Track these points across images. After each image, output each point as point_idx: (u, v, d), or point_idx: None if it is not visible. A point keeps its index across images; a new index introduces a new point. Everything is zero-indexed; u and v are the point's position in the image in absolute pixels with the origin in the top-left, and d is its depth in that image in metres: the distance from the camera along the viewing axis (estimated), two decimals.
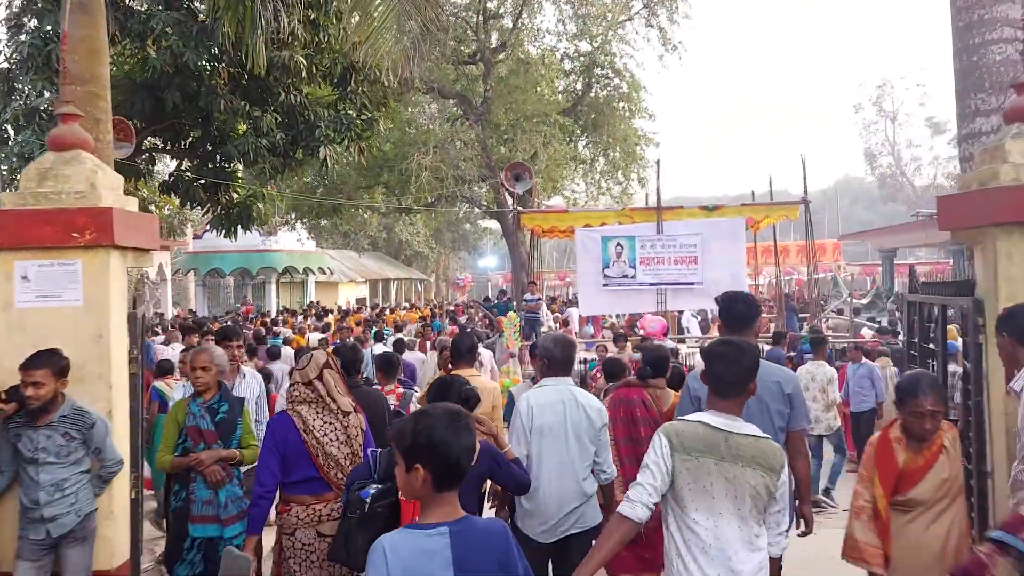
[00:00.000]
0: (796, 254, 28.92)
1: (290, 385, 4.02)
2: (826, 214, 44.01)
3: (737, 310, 3.83)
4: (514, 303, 18.30)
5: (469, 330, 19.18)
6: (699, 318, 22.05)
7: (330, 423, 3.87)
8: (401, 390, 6.25)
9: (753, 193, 15.68)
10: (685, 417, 2.92)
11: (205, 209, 13.39)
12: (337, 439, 3.86)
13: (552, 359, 4.17)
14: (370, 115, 13.02)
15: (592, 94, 24.61)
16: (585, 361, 15.32)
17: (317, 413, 3.87)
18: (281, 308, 27.76)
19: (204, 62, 11.66)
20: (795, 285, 31.08)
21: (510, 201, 16.53)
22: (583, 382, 13.90)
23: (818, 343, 8.99)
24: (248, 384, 5.78)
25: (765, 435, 2.84)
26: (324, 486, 3.83)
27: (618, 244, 14.94)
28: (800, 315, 21.61)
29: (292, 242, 28.98)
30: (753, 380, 2.85)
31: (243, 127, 12.26)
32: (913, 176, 54.52)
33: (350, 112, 12.72)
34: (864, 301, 19.01)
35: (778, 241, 16.53)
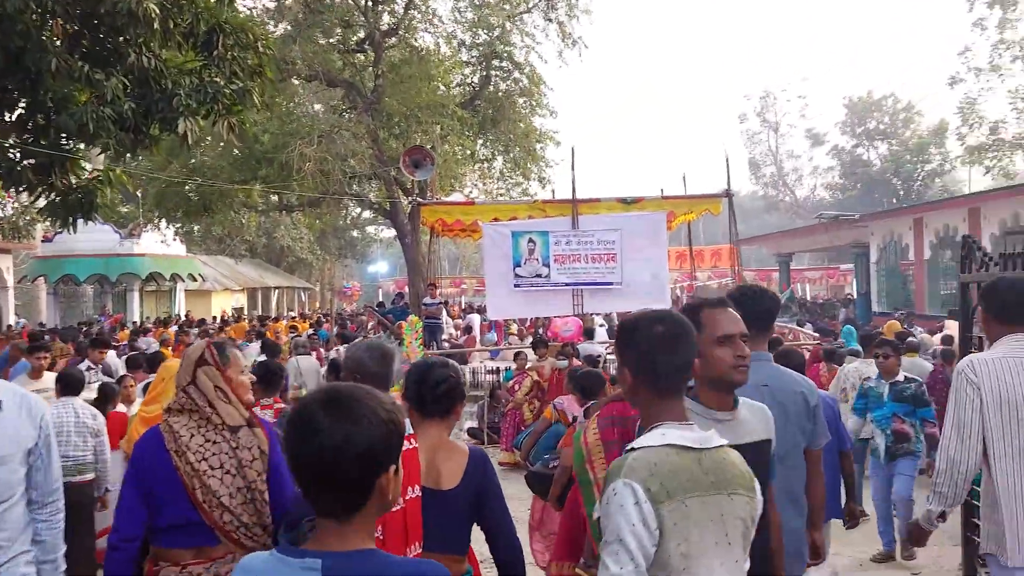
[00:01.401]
0: (709, 257, 28.45)
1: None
2: (717, 223, 44.48)
3: (764, 307, 3.12)
4: (411, 308, 16.52)
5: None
6: (606, 325, 20.90)
7: (213, 443, 2.78)
8: (281, 405, 5.28)
9: (662, 190, 14.47)
10: (645, 442, 2.01)
11: (35, 195, 10.97)
12: (222, 466, 2.75)
13: (365, 374, 3.02)
14: (242, 84, 10.96)
15: (491, 88, 23.15)
16: (498, 371, 13.77)
17: (196, 428, 2.80)
18: (149, 319, 24.85)
19: (31, 13, 9.39)
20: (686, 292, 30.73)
21: (405, 200, 14.71)
22: (493, 395, 12.32)
23: (869, 339, 8.71)
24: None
25: (722, 441, 2.09)
26: (207, 536, 2.71)
27: (530, 240, 13.46)
28: None
29: (157, 245, 26.03)
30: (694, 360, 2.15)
31: (83, 95, 10.01)
32: (794, 186, 56.04)
33: (217, 80, 10.63)
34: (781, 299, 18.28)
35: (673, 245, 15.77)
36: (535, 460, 5.68)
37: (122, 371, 8.54)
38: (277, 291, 42.33)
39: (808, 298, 32.24)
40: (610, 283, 13.42)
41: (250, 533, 2.75)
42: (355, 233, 46.97)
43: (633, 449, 2.00)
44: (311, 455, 1.49)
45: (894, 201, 42.71)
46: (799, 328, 13.73)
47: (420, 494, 2.62)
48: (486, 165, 24.61)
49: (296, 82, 21.42)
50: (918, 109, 48.94)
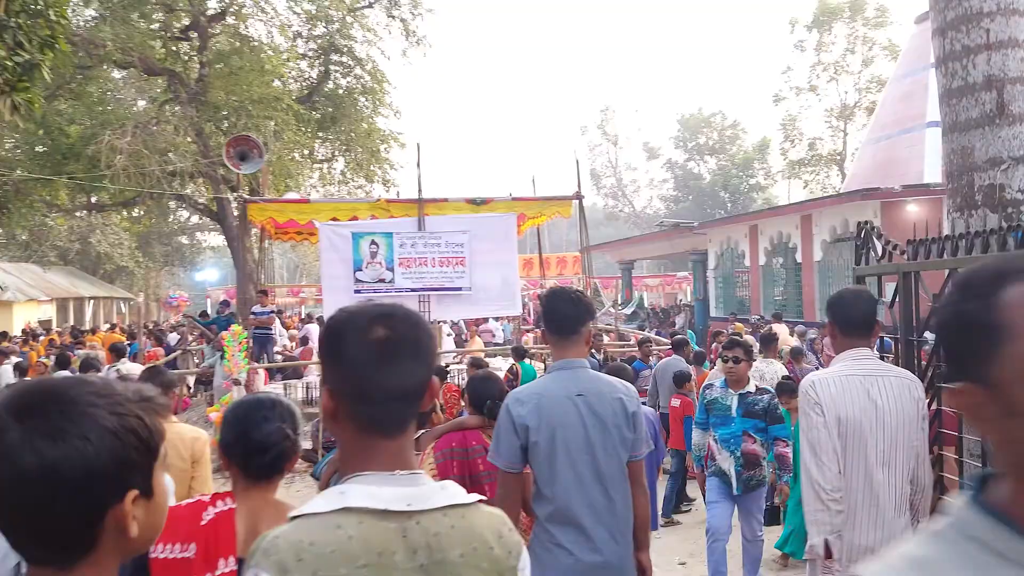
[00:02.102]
0: (556, 265, 28.34)
1: None
2: (562, 231, 45.08)
3: (562, 310, 2.87)
4: (239, 318, 15.06)
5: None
6: (453, 334, 20.19)
7: None
8: None
9: (511, 193, 13.88)
10: (309, 507, 1.28)
11: None
12: None
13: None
14: (29, 57, 9.38)
15: (331, 84, 21.91)
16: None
17: None
18: None
19: None
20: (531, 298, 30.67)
21: (231, 196, 13.26)
22: None
23: (769, 340, 8.53)
24: None
25: (472, 498, 1.39)
26: None
27: (372, 242, 12.49)
28: None
29: None
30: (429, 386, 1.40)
31: None
32: (633, 197, 57.91)
33: None
34: (627, 311, 18.30)
35: (520, 253, 15.28)
36: None
37: None
38: (93, 302, 38.54)
39: (646, 305, 33.03)
40: (459, 288, 12.69)
41: None
42: (183, 239, 43.81)
43: (293, 518, 1.28)
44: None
45: (722, 212, 44.91)
46: (655, 336, 13.52)
47: (237, 567, 2.04)
48: (326, 166, 23.29)
49: (111, 70, 19.32)
50: (743, 126, 51.96)
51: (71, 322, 33.74)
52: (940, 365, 3.22)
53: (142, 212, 23.93)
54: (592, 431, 2.66)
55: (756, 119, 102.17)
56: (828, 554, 2.87)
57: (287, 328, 19.98)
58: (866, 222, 3.85)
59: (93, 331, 23.78)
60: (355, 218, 12.72)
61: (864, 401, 2.85)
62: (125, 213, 24.09)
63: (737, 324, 14.33)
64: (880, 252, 3.59)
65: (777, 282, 18.78)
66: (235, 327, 10.47)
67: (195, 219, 35.12)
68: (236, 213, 13.04)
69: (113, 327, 25.90)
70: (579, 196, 13.33)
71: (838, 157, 35.96)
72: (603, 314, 16.57)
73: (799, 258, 17.16)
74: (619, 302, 23.72)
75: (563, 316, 2.81)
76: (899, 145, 17.33)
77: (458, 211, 12.92)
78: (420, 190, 12.90)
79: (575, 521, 2.66)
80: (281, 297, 32.82)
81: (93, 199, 19.75)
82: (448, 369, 11.24)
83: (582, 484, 2.66)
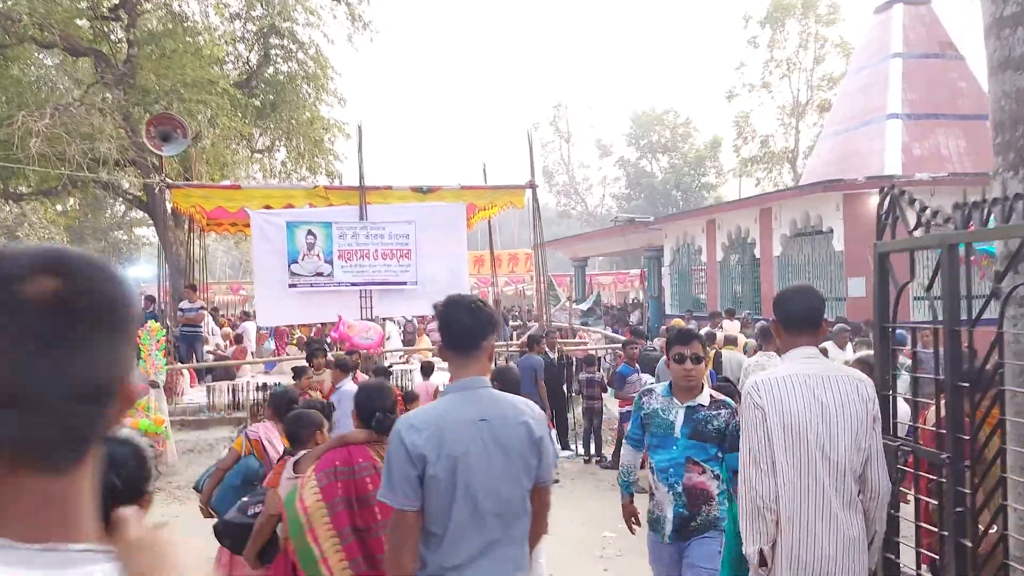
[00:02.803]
0: (508, 262, 27.55)
1: None
2: (512, 231, 44.21)
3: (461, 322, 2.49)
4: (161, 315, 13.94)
5: None
6: (401, 328, 19.26)
7: None
8: None
9: (460, 184, 13.01)
10: None
11: None
12: None
13: None
14: None
15: (271, 69, 20.76)
16: (267, 387, 11.65)
17: None
18: None
19: None
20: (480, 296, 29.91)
21: (155, 180, 12.07)
22: (256, 415, 10.18)
23: (768, 333, 7.58)
24: None
25: None
26: None
27: (309, 232, 11.59)
28: (509, 324, 19.85)
29: None
30: None
31: None
32: (585, 195, 57.49)
33: None
34: (584, 307, 17.61)
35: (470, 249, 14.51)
36: (220, 505, 4.36)
37: None
38: None
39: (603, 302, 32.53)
40: (403, 283, 11.85)
41: None
42: (120, 234, 42.00)
43: None
44: None
45: (674, 211, 44.72)
46: (612, 333, 12.80)
47: None
48: (267, 157, 22.13)
49: (33, 50, 17.93)
50: (695, 124, 51.89)
51: None
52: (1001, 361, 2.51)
53: (69, 203, 22.36)
54: (495, 460, 2.39)
55: (709, 117, 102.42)
56: (763, 562, 2.77)
57: (221, 326, 18.81)
58: (892, 186, 3.14)
59: None
60: (291, 206, 11.78)
61: (811, 403, 2.74)
62: (48, 204, 22.45)
63: (676, 320, 13.77)
64: (915, 221, 2.87)
65: (735, 278, 18.27)
66: (152, 324, 9.42)
67: (135, 213, 33.39)
68: (159, 194, 11.88)
69: None
70: (532, 185, 12.58)
71: (790, 155, 35.91)
72: (558, 309, 15.86)
73: (758, 253, 16.65)
74: (572, 297, 23.03)
75: (463, 329, 2.47)
76: (859, 138, 16.96)
77: (403, 200, 12.07)
78: (361, 177, 12.02)
79: (463, 565, 2.38)
80: (221, 295, 31.44)
81: (8, 187, 18.27)
82: (391, 370, 10.38)
83: (480, 523, 2.38)
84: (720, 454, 3.65)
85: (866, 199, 14.12)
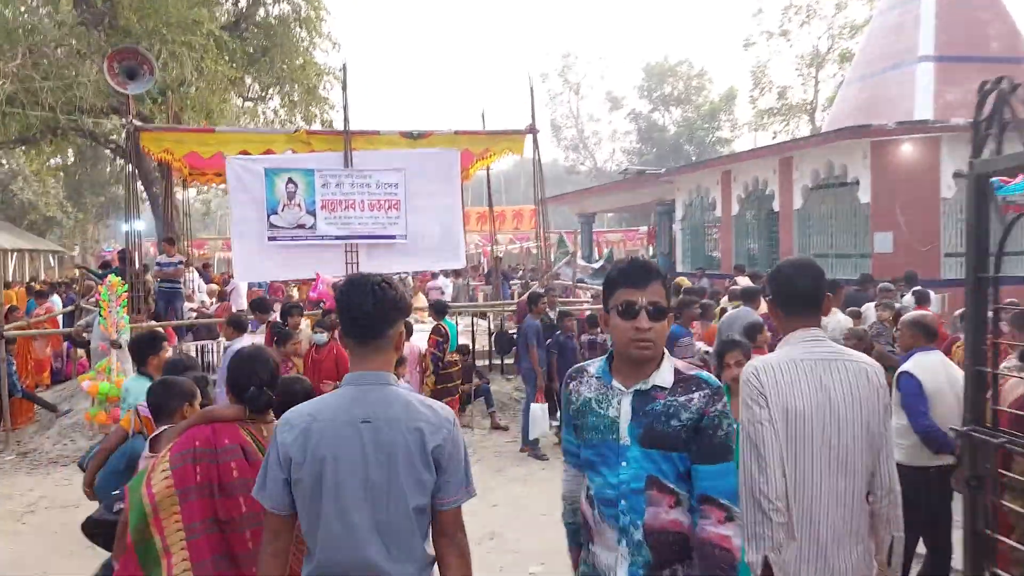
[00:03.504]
0: (512, 218, 26.57)
1: None
2: (517, 183, 43.07)
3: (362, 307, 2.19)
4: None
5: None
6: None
7: None
8: None
9: (454, 130, 11.93)
10: None
11: None
12: None
13: None
14: None
15: (262, 12, 19.66)
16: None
17: None
18: None
19: None
20: (483, 256, 28.98)
21: (121, 125, 11.05)
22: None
23: (751, 294, 7.55)
24: None
25: None
26: None
27: (290, 180, 10.68)
28: (511, 280, 18.99)
29: None
30: None
31: None
32: (594, 150, 56.08)
33: None
34: (595, 265, 16.69)
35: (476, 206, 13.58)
36: (102, 491, 3.83)
37: None
38: (16, 255, 35.89)
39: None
40: (392, 236, 10.95)
41: None
42: (118, 189, 41.17)
43: None
44: None
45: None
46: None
47: None
48: (257, 105, 21.11)
49: None
50: (710, 76, 50.25)
51: None
52: None
53: (68, 156, 21.46)
54: (374, 470, 2.08)
55: (724, 69, 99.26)
56: (768, 572, 2.43)
57: (216, 283, 18.02)
58: (998, 79, 2.20)
59: (8, 285, 21.59)
60: (270, 152, 10.84)
61: (816, 391, 2.51)
62: (33, 155, 21.53)
63: (680, 278, 12.87)
64: None
65: (751, 234, 17.25)
66: (112, 278, 8.56)
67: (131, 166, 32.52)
68: (127, 138, 10.93)
69: (31, 282, 23.60)
70: (533, 130, 11.57)
71: (809, 107, 34.52)
72: (564, 264, 14.95)
73: (777, 207, 15.61)
74: (580, 254, 22.02)
75: (363, 315, 2.16)
76: (887, 82, 15.79)
77: (392, 146, 11.12)
78: (346, 120, 11.06)
79: None
80: (216, 250, 30.67)
81: None
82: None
83: (354, 539, 2.07)
84: (688, 468, 2.18)
85: (896, 147, 13.06)
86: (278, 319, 8.43)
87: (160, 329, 8.18)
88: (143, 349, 4.96)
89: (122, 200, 41.87)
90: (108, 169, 37.86)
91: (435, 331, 8.91)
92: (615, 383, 2.24)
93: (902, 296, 10.37)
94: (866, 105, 15.98)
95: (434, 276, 18.69)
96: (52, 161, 30.51)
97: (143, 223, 37.10)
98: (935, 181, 12.94)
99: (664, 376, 2.20)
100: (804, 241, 14.87)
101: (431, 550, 2.15)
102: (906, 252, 12.57)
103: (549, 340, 8.74)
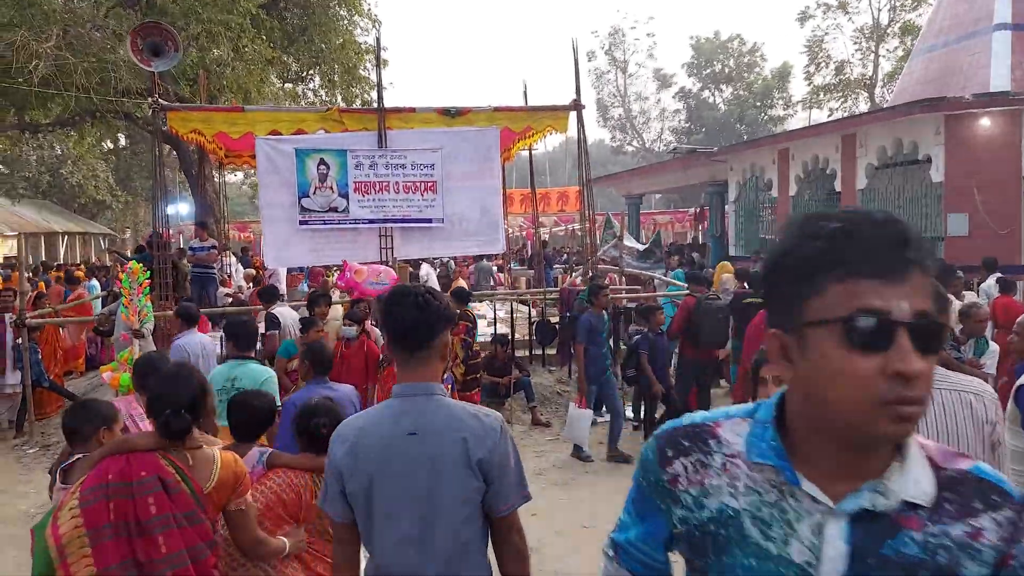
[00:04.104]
0: (557, 201, 25.88)
1: None
2: (565, 171, 42.10)
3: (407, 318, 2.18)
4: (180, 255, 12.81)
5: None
6: (438, 270, 17.94)
7: None
8: None
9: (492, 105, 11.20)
10: None
11: None
12: None
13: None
14: None
15: None
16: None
17: None
18: None
19: None
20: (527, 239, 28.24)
21: (147, 104, 10.58)
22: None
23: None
24: None
25: None
26: None
27: (322, 162, 10.18)
28: (555, 266, 18.37)
29: None
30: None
31: None
32: (642, 129, 54.80)
33: None
34: (641, 247, 15.96)
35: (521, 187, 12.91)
36: None
37: None
38: (67, 237, 36.43)
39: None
40: (428, 220, 10.39)
41: None
42: (167, 172, 41.44)
43: None
44: None
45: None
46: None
47: None
48: (296, 86, 20.74)
49: None
50: (762, 52, 48.55)
51: (43, 257, 31.71)
52: None
53: (96, 136, 21.41)
54: (421, 481, 2.06)
55: (776, 45, 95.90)
56: None
57: (256, 268, 17.73)
58: None
59: (57, 267, 21.75)
60: (301, 132, 10.33)
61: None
62: (76, 137, 21.46)
63: (723, 263, 12.04)
64: None
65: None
66: (134, 264, 8.17)
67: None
68: (154, 117, 10.46)
69: (71, 266, 23.72)
70: (578, 105, 10.87)
71: (868, 82, 32.99)
72: (611, 246, 14.24)
73: (839, 186, 14.64)
74: (627, 235, 21.05)
75: (408, 325, 2.13)
76: (959, 53, 14.68)
77: (428, 124, 10.52)
78: (380, 97, 10.51)
79: None
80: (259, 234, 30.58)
81: (23, 118, 17.27)
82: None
83: (406, 550, 2.06)
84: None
85: (973, 121, 12.05)
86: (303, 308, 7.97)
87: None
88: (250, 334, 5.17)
89: (169, 183, 42.13)
90: (160, 153, 38.05)
91: (463, 317, 8.34)
92: (807, 486, 1.11)
93: (979, 284, 9.51)
94: (936, 77, 14.89)
95: (476, 259, 18.15)
96: (104, 145, 30.69)
97: (186, 205, 37.27)
98: (1015, 158, 11.92)
99: (917, 476, 1.10)
100: None
101: (485, 558, 2.14)
102: (983, 235, 11.61)
103: (637, 337, 8.05)
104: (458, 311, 8.54)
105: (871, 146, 13.66)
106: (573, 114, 10.88)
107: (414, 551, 2.06)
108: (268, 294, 8.70)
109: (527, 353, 10.17)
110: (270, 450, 3.23)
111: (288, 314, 8.19)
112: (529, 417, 8.92)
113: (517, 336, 10.29)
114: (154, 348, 8.83)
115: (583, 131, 10.94)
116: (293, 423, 3.22)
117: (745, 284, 10.05)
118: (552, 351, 10.15)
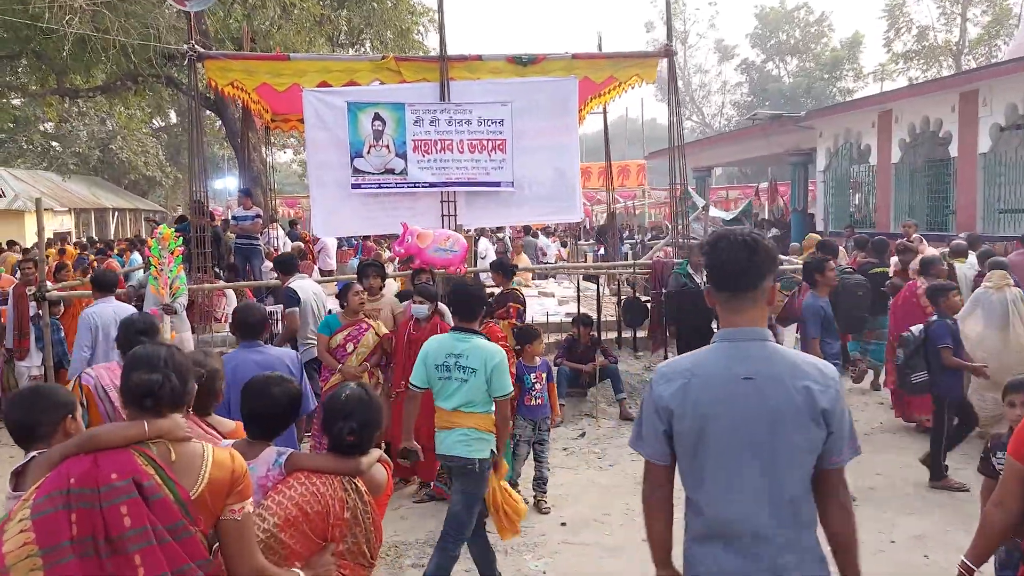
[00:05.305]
0: (618, 175, 24.38)
1: None
2: (621, 147, 40.28)
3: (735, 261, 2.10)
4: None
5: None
6: (496, 245, 16.71)
7: None
8: None
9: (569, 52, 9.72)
10: None
11: None
12: None
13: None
14: None
15: None
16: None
17: None
18: None
19: None
20: (587, 216, 26.79)
21: (184, 51, 9.37)
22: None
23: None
24: None
25: None
26: None
27: (377, 117, 8.98)
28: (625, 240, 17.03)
29: None
30: None
31: None
32: (702, 103, 52.69)
33: None
34: (728, 216, 14.51)
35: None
36: None
37: None
38: (117, 213, 36.17)
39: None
40: (496, 183, 9.12)
41: None
42: (216, 149, 41.04)
43: None
44: None
45: None
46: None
47: None
48: (347, 50, 19.62)
49: None
50: (830, 22, 46.01)
51: (93, 233, 31.39)
52: None
53: (140, 105, 20.57)
54: (760, 429, 2.01)
55: (847, 13, 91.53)
56: None
57: (305, 241, 16.70)
58: None
59: (93, 243, 21.11)
60: (353, 83, 9.12)
61: None
62: (115, 103, 20.62)
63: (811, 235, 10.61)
64: None
65: (917, 185, 14.50)
66: (164, 230, 7.06)
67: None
68: (189, 65, 9.28)
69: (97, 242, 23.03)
70: (669, 51, 9.47)
71: (954, 48, 30.63)
72: (694, 219, 12.82)
73: (954, 151, 12.93)
74: (748, 210, 19.26)
75: (740, 267, 2.07)
76: None
77: (496, 74, 9.22)
78: (443, 43, 9.22)
79: (734, 536, 2.04)
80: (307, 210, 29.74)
81: (62, 83, 16.44)
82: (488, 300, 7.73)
83: (741, 498, 2.04)
84: None
85: None
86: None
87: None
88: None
89: (219, 159, 41.51)
90: (212, 127, 37.59)
91: (513, 298, 7.02)
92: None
93: None
94: None
95: (534, 231, 16.84)
96: (154, 121, 30.08)
97: (234, 180, 36.33)
98: None
99: None
100: (992, 192, 12.22)
101: (814, 511, 2.09)
102: None
103: (936, 325, 5.76)
104: (503, 291, 7.17)
105: (997, 103, 11.92)
106: (664, 61, 9.48)
107: (753, 498, 2.03)
108: (285, 264, 7.13)
109: (613, 336, 8.86)
110: (290, 451, 2.67)
111: (310, 287, 6.94)
112: (617, 410, 7.66)
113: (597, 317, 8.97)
114: (188, 326, 7.80)
115: (675, 81, 9.58)
116: (321, 422, 2.83)
117: (862, 254, 8.65)
118: (642, 334, 8.81)
